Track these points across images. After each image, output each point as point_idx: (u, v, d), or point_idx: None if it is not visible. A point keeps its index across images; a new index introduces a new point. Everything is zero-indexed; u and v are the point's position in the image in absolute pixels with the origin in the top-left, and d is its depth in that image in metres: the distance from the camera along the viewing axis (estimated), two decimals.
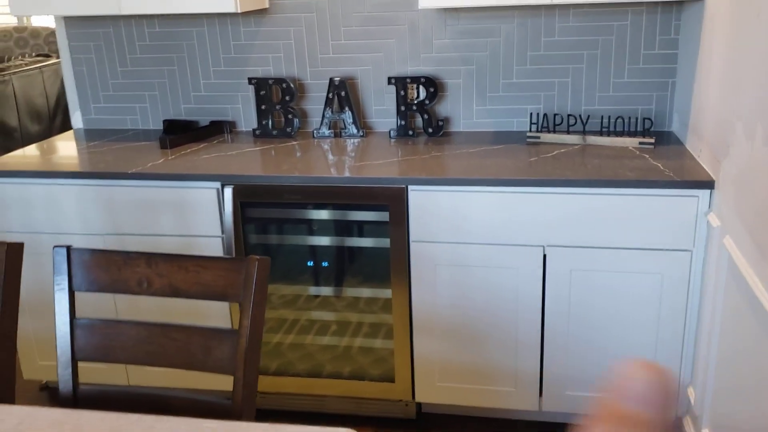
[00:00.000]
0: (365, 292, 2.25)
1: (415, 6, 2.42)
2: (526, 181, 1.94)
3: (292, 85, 2.50)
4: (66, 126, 5.51)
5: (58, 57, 5.96)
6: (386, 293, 2.20)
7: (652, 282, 1.98)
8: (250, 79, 2.53)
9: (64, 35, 2.68)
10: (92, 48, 2.67)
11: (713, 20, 1.87)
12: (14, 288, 1.27)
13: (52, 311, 2.36)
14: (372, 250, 2.18)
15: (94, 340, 1.24)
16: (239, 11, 2.24)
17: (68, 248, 1.25)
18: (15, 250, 1.26)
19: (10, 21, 7.55)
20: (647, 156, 2.09)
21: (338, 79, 2.48)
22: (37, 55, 6.05)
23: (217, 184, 2.14)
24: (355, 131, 2.52)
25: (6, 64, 5.07)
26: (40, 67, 5.21)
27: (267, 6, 2.50)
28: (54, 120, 5.33)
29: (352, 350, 2.29)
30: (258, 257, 1.20)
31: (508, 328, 2.11)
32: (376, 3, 2.44)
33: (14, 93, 4.87)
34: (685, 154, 2.09)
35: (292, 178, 2.08)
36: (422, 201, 2.04)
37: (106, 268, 1.24)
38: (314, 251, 2.25)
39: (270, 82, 2.52)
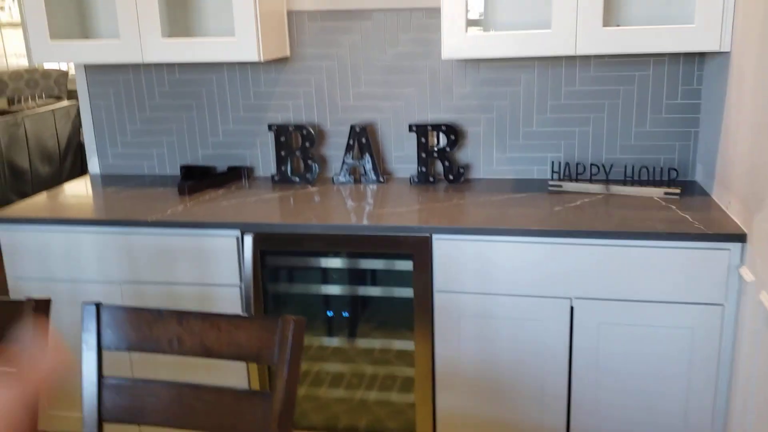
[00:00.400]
0: (386, 344, 2.21)
1: (435, 55, 2.42)
2: (554, 231, 1.91)
3: (312, 132, 2.50)
4: (76, 168, 5.52)
5: (69, 99, 6.01)
6: (408, 344, 2.15)
7: (682, 336, 1.93)
8: (270, 126, 2.52)
9: (84, 81, 2.69)
10: (111, 94, 2.67)
11: (741, 73, 1.87)
12: (41, 346, 1.23)
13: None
14: (394, 300, 2.14)
15: (123, 401, 1.20)
16: (262, 60, 2.24)
17: (98, 305, 1.22)
18: (43, 307, 1.23)
19: (21, 62, 7.64)
20: (674, 207, 2.07)
21: (360, 126, 2.48)
22: (49, 97, 6.11)
23: (237, 232, 2.11)
24: (374, 178, 2.51)
25: (18, 106, 5.11)
26: (52, 110, 5.25)
27: (288, 54, 2.51)
28: (64, 162, 5.35)
29: (371, 403, 2.24)
30: (294, 317, 1.16)
31: (533, 382, 2.06)
32: (396, 52, 2.45)
33: (26, 135, 4.89)
34: (712, 206, 2.06)
35: (314, 226, 2.06)
36: (447, 250, 2.01)
37: (137, 326, 1.20)
38: (335, 301, 2.21)
39: (290, 128, 2.51)
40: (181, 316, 1.20)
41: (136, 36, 2.27)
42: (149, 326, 1.20)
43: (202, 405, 1.18)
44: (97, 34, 2.58)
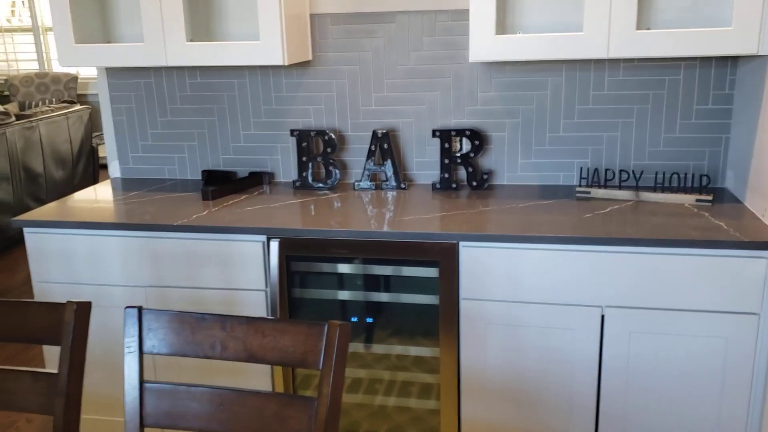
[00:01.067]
0: (411, 350, 2.18)
1: (459, 59, 2.41)
2: (587, 239, 1.89)
3: (333, 137, 2.48)
4: (88, 172, 5.52)
5: (81, 104, 6.01)
6: (434, 352, 2.13)
7: (716, 346, 1.90)
8: (292, 131, 2.51)
9: (106, 85, 2.67)
10: (133, 98, 2.66)
11: None
12: (81, 349, 1.21)
13: (94, 365, 2.28)
14: (419, 307, 2.12)
15: (164, 406, 1.18)
16: (286, 64, 2.23)
17: (139, 309, 1.20)
18: (84, 310, 1.21)
19: (32, 67, 7.66)
20: (706, 214, 2.04)
21: (382, 131, 2.46)
22: (62, 102, 6.11)
23: (263, 237, 2.09)
24: (396, 184, 2.49)
25: (33, 111, 5.11)
26: (65, 114, 5.25)
27: (310, 58, 2.49)
28: (77, 166, 5.34)
29: (394, 410, 2.21)
30: (339, 322, 1.14)
31: (562, 392, 2.03)
32: (420, 56, 2.43)
33: (40, 139, 4.89)
34: (745, 213, 2.04)
35: (340, 232, 2.03)
36: (474, 257, 1.98)
37: (179, 330, 1.18)
38: (359, 307, 2.18)
39: (312, 134, 2.50)
40: (224, 320, 1.18)
41: (160, 39, 2.26)
42: (192, 330, 1.18)
43: (245, 411, 1.16)
44: (119, 39, 2.57)
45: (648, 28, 2.11)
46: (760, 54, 1.92)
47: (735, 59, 2.24)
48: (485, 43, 2.08)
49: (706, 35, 1.94)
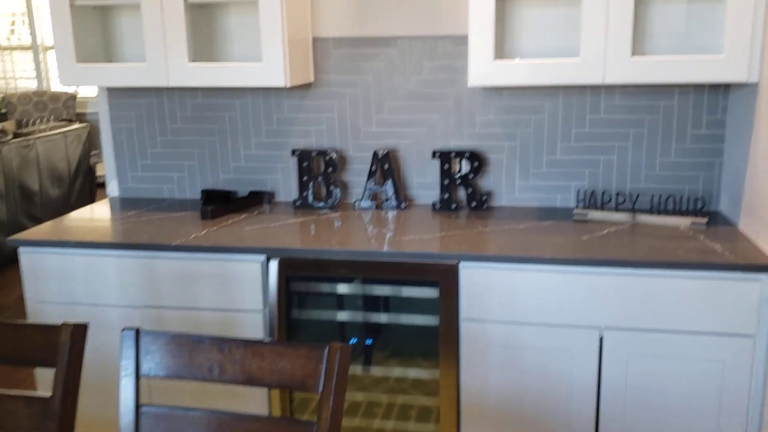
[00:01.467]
0: (410, 372, 2.17)
1: (459, 82, 2.43)
2: (586, 260, 1.90)
3: (335, 157, 2.49)
4: (85, 191, 5.52)
5: (79, 122, 6.03)
6: (433, 374, 2.12)
7: (712, 368, 1.91)
8: (293, 151, 2.52)
9: (106, 104, 2.69)
10: (133, 117, 2.67)
11: None
12: (76, 372, 1.20)
13: (88, 388, 2.26)
14: (419, 328, 2.12)
15: (160, 430, 1.17)
16: (288, 86, 2.25)
17: (137, 331, 1.20)
18: (79, 332, 1.21)
19: (31, 85, 7.69)
20: (702, 236, 2.05)
21: (383, 152, 2.47)
22: (57, 120, 6.13)
23: (263, 257, 2.09)
24: (396, 204, 2.50)
25: (30, 129, 5.12)
26: (63, 132, 5.26)
27: (312, 80, 2.51)
28: (74, 184, 5.34)
29: None
30: (340, 345, 1.14)
31: (561, 413, 2.02)
32: (420, 79, 2.46)
33: (37, 157, 4.89)
34: (739, 236, 2.05)
35: (341, 252, 2.04)
36: (475, 278, 1.99)
37: (177, 353, 1.18)
38: (358, 328, 2.18)
39: (313, 153, 2.51)
40: (223, 342, 1.18)
41: (162, 60, 2.28)
42: (189, 353, 1.18)
43: None
44: (120, 58, 2.59)
45: (643, 54, 2.14)
46: (750, 82, 1.95)
47: (727, 86, 2.26)
48: (484, 68, 2.10)
49: (699, 63, 1.97)
